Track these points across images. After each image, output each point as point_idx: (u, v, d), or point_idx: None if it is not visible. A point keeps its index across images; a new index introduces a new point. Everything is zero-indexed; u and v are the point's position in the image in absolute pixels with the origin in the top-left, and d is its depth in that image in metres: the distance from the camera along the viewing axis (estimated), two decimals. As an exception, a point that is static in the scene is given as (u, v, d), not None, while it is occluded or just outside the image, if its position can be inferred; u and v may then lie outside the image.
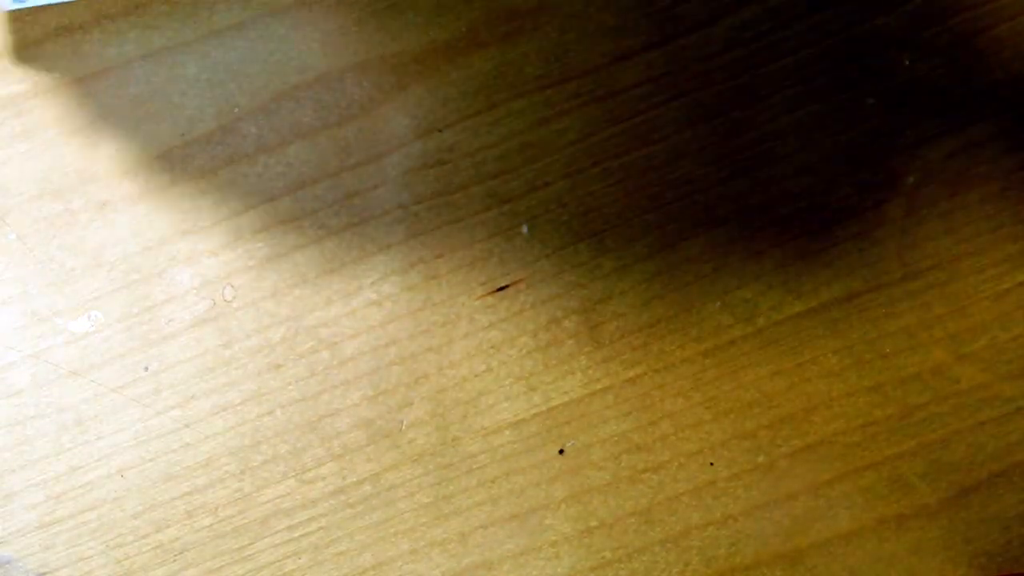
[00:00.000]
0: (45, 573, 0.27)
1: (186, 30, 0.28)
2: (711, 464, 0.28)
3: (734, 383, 0.28)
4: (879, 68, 0.29)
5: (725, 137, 0.28)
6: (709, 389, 0.28)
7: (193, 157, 0.28)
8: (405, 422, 0.27)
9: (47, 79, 0.28)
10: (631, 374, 0.28)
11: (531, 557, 0.27)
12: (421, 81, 0.28)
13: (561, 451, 0.27)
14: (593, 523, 0.27)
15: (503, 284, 0.28)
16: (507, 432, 0.27)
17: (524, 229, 0.28)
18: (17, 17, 0.28)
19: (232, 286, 0.28)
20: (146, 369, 0.27)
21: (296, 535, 0.27)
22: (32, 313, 0.27)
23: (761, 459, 0.28)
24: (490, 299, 0.28)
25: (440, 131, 0.28)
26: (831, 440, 0.28)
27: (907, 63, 0.29)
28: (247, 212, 0.28)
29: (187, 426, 0.27)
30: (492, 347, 0.28)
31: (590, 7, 0.29)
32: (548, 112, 0.28)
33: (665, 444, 0.28)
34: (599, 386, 0.28)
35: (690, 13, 0.29)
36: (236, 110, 0.28)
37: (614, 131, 0.28)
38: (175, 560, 0.27)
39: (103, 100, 0.28)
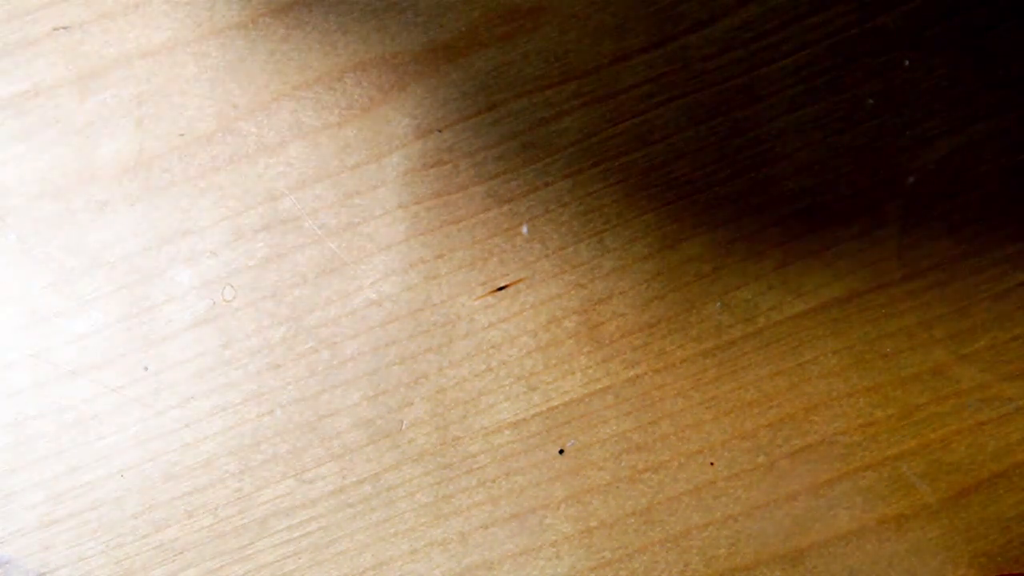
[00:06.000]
0: (45, 573, 0.27)
1: (186, 30, 0.28)
2: (711, 464, 0.28)
3: (734, 383, 0.28)
4: (879, 68, 0.29)
5: (725, 137, 0.28)
6: (709, 389, 0.28)
7: (193, 157, 0.28)
8: (405, 422, 0.27)
9: (47, 79, 0.28)
10: (631, 374, 0.28)
11: (531, 557, 0.27)
12: (421, 81, 0.28)
13: (561, 451, 0.27)
14: (593, 523, 0.27)
15: (503, 284, 0.28)
16: (507, 432, 0.27)
17: (524, 229, 0.28)
18: (17, 17, 0.28)
19: (232, 286, 0.28)
20: (146, 369, 0.27)
21: (296, 535, 0.27)
22: (32, 313, 0.27)
23: (761, 459, 0.28)
24: (490, 299, 0.28)
25: (440, 131, 0.28)
26: (831, 440, 0.28)
27: (907, 63, 0.29)
28: (247, 212, 0.28)
29: (187, 426, 0.27)
30: (492, 347, 0.28)
31: (590, 7, 0.29)
32: (548, 112, 0.28)
33: (665, 444, 0.28)
34: (599, 386, 0.28)
35: (690, 13, 0.29)
36: (236, 110, 0.28)
37: (614, 131, 0.28)
38: (175, 560, 0.27)
39: (103, 100, 0.28)
